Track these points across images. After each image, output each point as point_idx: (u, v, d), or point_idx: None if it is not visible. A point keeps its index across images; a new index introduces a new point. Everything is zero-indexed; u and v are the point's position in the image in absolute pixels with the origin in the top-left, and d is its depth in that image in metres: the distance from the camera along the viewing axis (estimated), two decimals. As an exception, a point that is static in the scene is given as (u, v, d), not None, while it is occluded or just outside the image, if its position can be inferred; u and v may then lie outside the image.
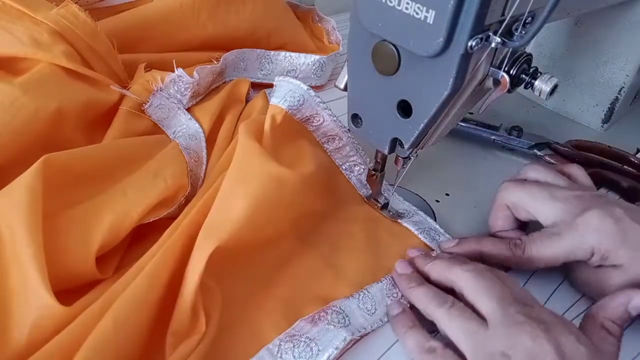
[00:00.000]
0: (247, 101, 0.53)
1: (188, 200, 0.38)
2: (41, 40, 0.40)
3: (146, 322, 0.29)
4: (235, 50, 0.55)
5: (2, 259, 0.30)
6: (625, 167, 0.48)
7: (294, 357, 0.30)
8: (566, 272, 0.37)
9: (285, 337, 0.31)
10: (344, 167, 0.43)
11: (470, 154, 0.51)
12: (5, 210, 0.31)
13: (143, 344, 0.29)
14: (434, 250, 0.39)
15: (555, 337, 0.27)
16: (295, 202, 0.36)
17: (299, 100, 0.40)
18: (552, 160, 0.49)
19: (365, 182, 0.43)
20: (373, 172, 0.41)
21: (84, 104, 0.41)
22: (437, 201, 0.45)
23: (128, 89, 0.45)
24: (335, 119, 0.41)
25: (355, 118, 0.37)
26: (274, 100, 0.40)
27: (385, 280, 0.35)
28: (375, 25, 0.29)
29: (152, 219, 0.36)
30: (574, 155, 0.50)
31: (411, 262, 0.36)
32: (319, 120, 0.41)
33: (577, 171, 0.39)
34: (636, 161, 0.49)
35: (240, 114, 0.50)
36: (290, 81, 0.40)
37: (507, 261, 0.36)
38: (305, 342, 0.30)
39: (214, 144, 0.45)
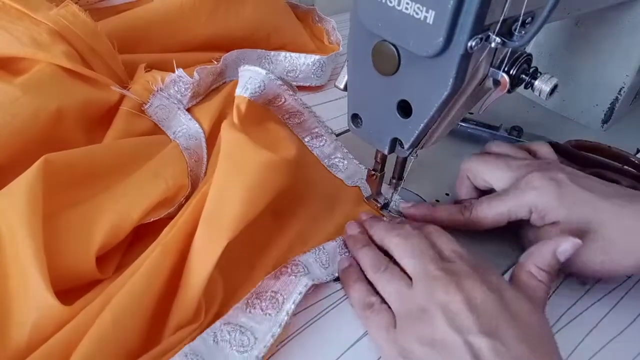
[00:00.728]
0: None
1: (188, 199, 0.38)
2: (41, 40, 0.40)
3: (145, 317, 0.30)
4: (236, 50, 0.54)
5: (2, 259, 0.30)
6: (625, 167, 0.48)
7: (262, 309, 0.32)
8: (517, 236, 0.39)
9: (252, 295, 0.33)
10: (306, 140, 0.45)
11: (471, 154, 0.51)
12: (5, 210, 0.31)
13: (142, 339, 0.30)
14: (384, 216, 0.41)
15: (466, 286, 0.28)
16: (283, 186, 0.37)
17: (259, 86, 0.40)
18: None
19: (329, 153, 0.45)
20: (373, 172, 0.41)
21: (84, 104, 0.41)
22: (437, 201, 0.44)
23: (128, 89, 0.45)
24: (296, 97, 0.43)
25: (355, 118, 0.37)
26: (237, 91, 0.41)
27: (339, 240, 0.39)
28: (375, 25, 0.29)
29: (152, 219, 0.36)
30: (574, 156, 0.50)
31: (361, 225, 0.38)
32: (281, 100, 0.43)
33: (543, 148, 0.42)
34: (636, 161, 0.49)
35: None
36: (249, 69, 0.41)
37: (458, 222, 0.38)
38: (270, 295, 0.33)
39: (215, 144, 0.45)
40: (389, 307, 0.31)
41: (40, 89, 0.39)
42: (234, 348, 0.30)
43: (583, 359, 0.33)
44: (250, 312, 0.32)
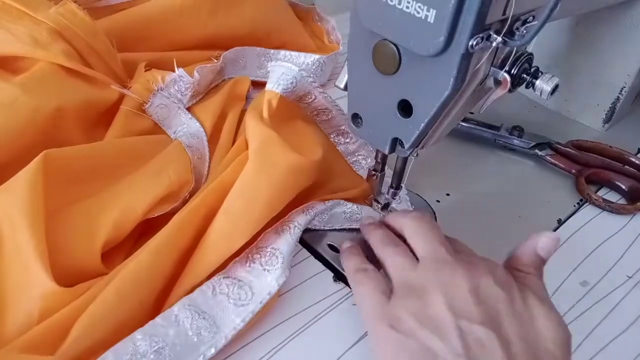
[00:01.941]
0: (247, 99, 0.53)
1: (192, 195, 0.39)
2: (40, 39, 0.40)
3: (149, 293, 0.30)
4: (235, 48, 0.54)
5: (3, 254, 0.30)
6: (626, 167, 0.48)
7: (261, 265, 0.33)
8: None
9: (252, 249, 0.34)
10: (332, 137, 0.46)
11: (471, 154, 0.51)
12: (6, 205, 0.31)
13: (145, 313, 0.30)
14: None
15: (474, 274, 0.28)
16: (306, 186, 0.38)
17: (291, 82, 0.41)
18: (553, 161, 0.49)
19: (353, 150, 0.46)
20: (373, 172, 0.41)
21: (84, 103, 0.41)
22: (438, 201, 0.44)
23: (128, 89, 0.45)
24: (325, 95, 0.43)
25: (355, 118, 0.37)
26: (268, 86, 0.41)
27: (346, 206, 0.40)
28: (376, 25, 0.29)
29: (157, 214, 0.36)
30: (574, 156, 0.50)
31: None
32: (311, 98, 0.43)
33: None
34: (637, 161, 0.49)
35: (242, 112, 0.50)
36: (282, 65, 0.42)
37: None
38: (270, 251, 0.34)
39: (217, 142, 0.46)
40: (388, 278, 0.31)
41: (40, 88, 0.39)
42: (232, 301, 0.31)
43: (584, 359, 0.33)
44: (249, 266, 0.33)
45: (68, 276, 0.30)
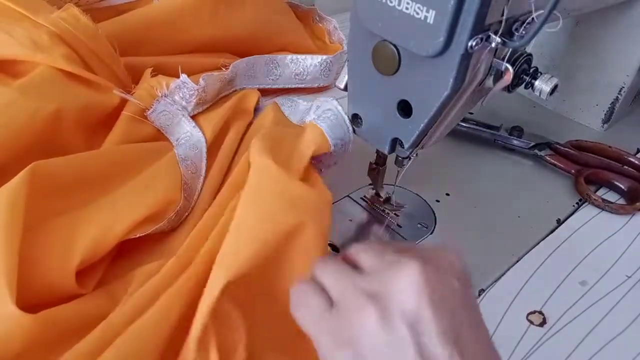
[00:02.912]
0: (256, 111, 0.51)
1: (179, 214, 0.37)
2: (41, 42, 0.40)
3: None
4: (246, 58, 0.53)
5: None
6: (625, 167, 0.48)
7: None
8: None
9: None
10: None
11: (471, 154, 0.51)
12: None
13: None
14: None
15: (424, 274, 0.23)
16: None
17: (341, 144, 0.37)
18: (552, 161, 0.49)
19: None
20: (374, 166, 0.41)
21: (84, 107, 0.41)
22: (437, 201, 0.44)
23: (132, 94, 0.44)
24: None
25: (355, 118, 0.37)
26: (321, 124, 0.37)
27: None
28: (376, 25, 0.29)
29: (138, 235, 0.34)
30: (573, 156, 0.50)
31: None
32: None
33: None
34: (636, 161, 0.49)
35: (248, 125, 0.48)
36: (338, 110, 0.38)
37: None
38: None
39: (216, 154, 0.44)
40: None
41: (38, 91, 0.38)
42: None
43: (583, 359, 0.33)
44: None
45: (40, 293, 0.29)
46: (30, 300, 0.28)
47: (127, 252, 0.35)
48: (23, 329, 0.26)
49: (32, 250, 0.30)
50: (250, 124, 0.49)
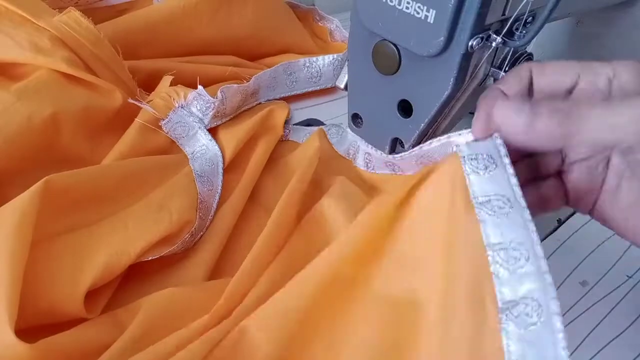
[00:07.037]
0: (286, 124, 0.49)
1: (193, 235, 0.36)
2: (41, 45, 0.39)
3: None
4: (268, 69, 0.51)
5: None
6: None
7: None
8: None
9: None
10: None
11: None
12: None
13: None
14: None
15: None
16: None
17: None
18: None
19: None
20: None
21: (83, 110, 0.40)
22: (438, 201, 0.44)
23: (148, 102, 0.43)
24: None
25: (355, 118, 0.37)
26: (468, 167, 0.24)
27: None
28: (376, 25, 0.29)
29: (150, 258, 0.33)
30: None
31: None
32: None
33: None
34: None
35: (277, 142, 0.46)
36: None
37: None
38: None
39: (235, 171, 0.42)
40: None
41: (36, 95, 0.38)
42: None
43: (583, 359, 0.33)
44: None
45: (44, 315, 0.28)
46: (33, 322, 0.27)
47: (136, 274, 0.34)
48: (21, 358, 0.25)
49: (39, 270, 0.28)
50: (280, 139, 0.46)
